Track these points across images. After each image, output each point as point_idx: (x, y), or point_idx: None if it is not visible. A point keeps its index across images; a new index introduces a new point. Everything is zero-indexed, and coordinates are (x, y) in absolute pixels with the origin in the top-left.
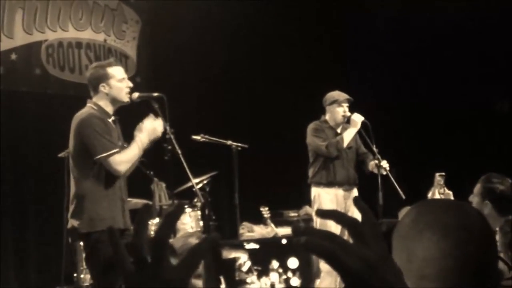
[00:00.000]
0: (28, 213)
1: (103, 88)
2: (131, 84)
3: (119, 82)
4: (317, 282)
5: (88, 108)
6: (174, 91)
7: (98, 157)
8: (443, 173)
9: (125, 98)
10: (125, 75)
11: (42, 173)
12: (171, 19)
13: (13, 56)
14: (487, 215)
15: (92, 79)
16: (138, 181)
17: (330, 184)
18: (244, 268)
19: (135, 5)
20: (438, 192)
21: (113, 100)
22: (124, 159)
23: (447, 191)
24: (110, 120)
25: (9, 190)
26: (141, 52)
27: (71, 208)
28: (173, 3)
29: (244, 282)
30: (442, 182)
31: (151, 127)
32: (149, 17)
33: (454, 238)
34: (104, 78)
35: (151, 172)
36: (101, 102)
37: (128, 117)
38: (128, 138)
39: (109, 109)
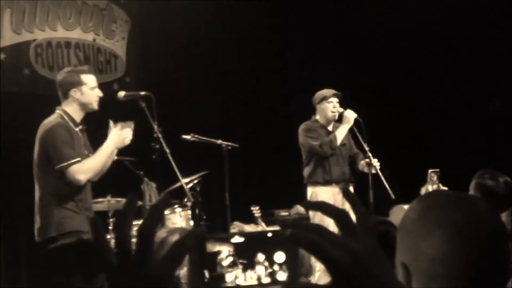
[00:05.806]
0: (18, 214)
1: (74, 93)
2: (101, 94)
3: (90, 90)
4: (311, 279)
5: (56, 116)
6: (164, 91)
7: (58, 166)
8: (437, 170)
9: (95, 106)
10: (96, 84)
11: (31, 175)
12: (160, 19)
13: (2, 56)
14: None
15: (64, 84)
16: (128, 181)
17: (326, 182)
18: (226, 262)
19: (124, 5)
20: (432, 188)
21: (83, 107)
22: (85, 168)
23: (441, 187)
24: (77, 129)
25: None
26: (130, 51)
27: (40, 218)
28: (162, 2)
29: (225, 276)
30: (435, 178)
31: (118, 136)
32: (138, 17)
33: (466, 236)
34: (76, 84)
35: (141, 172)
36: (69, 109)
37: (115, 117)
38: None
39: (77, 116)
